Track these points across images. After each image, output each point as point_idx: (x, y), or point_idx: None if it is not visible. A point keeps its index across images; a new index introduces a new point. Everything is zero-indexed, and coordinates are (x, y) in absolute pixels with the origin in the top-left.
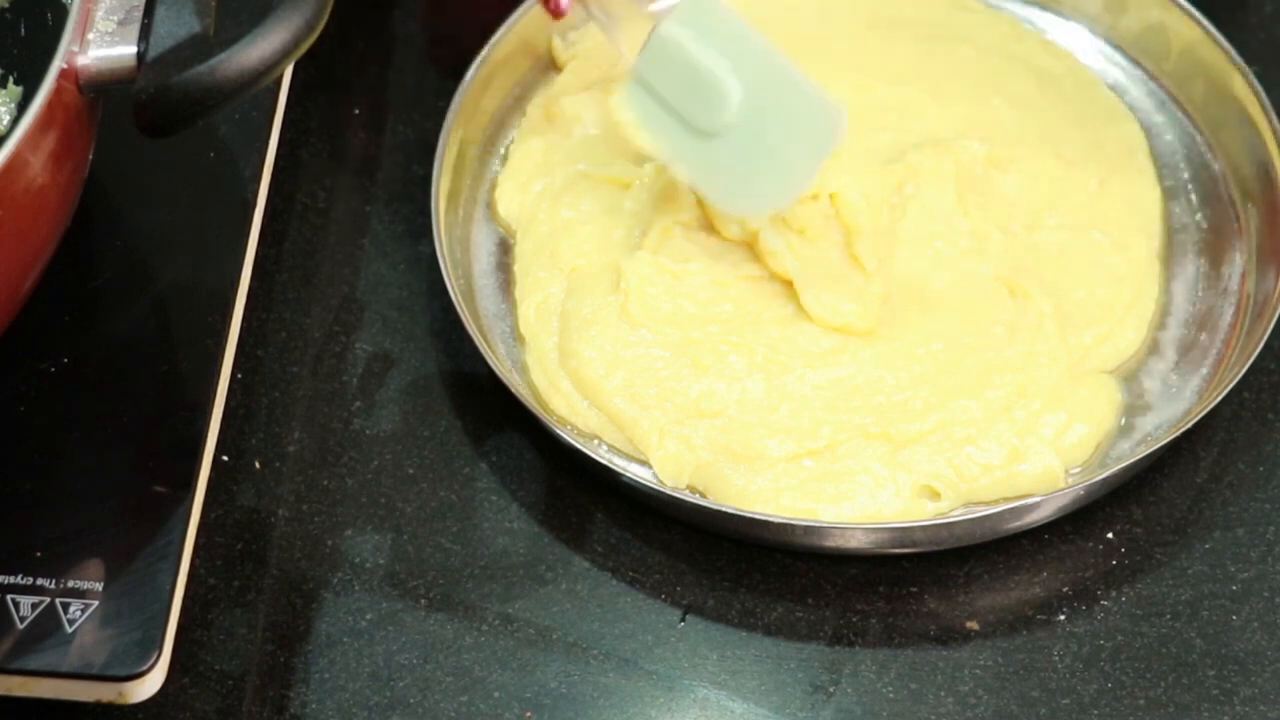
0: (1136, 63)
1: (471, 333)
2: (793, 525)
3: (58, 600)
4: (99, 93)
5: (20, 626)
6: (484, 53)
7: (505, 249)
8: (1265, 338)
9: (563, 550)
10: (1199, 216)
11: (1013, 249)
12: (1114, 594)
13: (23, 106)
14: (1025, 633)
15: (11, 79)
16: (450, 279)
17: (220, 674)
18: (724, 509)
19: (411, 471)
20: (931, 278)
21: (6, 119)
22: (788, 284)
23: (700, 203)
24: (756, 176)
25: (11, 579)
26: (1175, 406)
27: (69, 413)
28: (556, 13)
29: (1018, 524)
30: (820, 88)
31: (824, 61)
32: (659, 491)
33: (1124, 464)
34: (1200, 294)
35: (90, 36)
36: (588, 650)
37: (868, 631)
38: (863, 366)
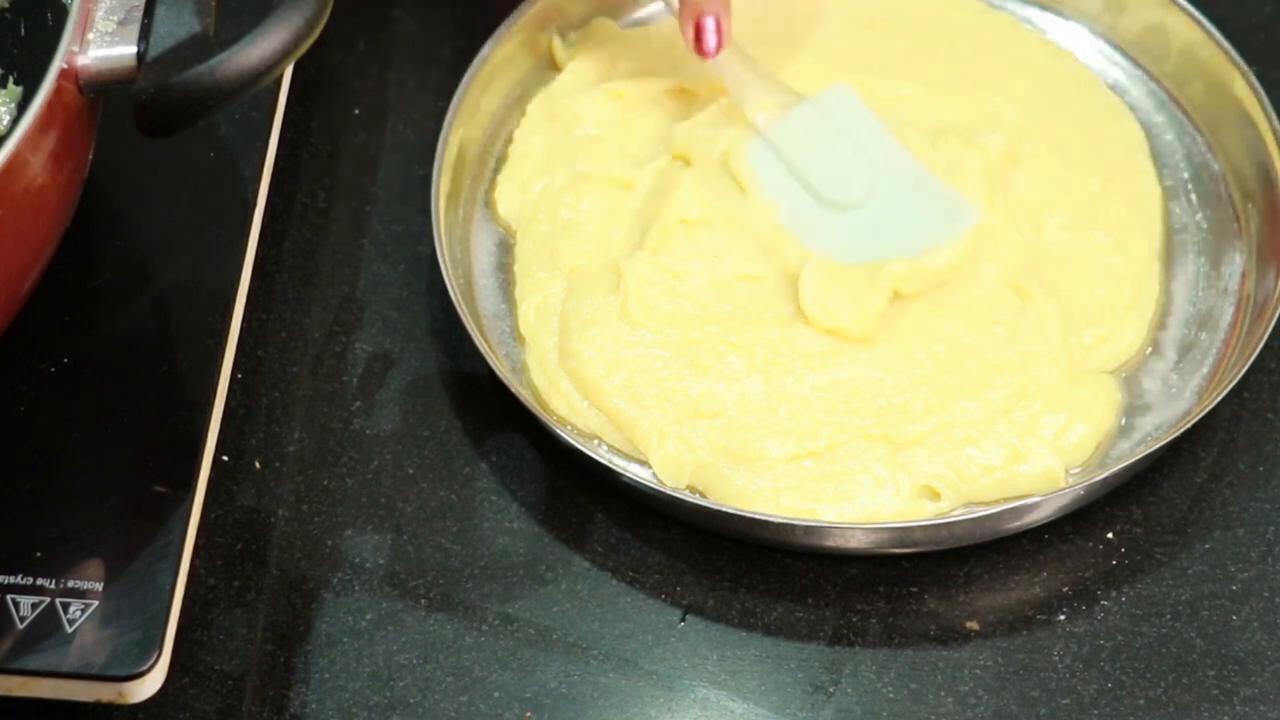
0: (1136, 63)
1: (471, 333)
2: (793, 525)
3: (58, 600)
4: (99, 93)
5: (20, 626)
6: (484, 53)
7: (505, 249)
8: (1265, 338)
9: (563, 550)
10: (1199, 216)
11: (1016, 249)
12: (1114, 594)
13: (23, 106)
14: (1025, 633)
15: (11, 79)
16: (450, 279)
17: (220, 674)
18: (724, 509)
19: (411, 471)
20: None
21: (6, 119)
22: (789, 283)
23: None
24: (866, 244)
25: (11, 579)
26: (1175, 406)
27: (69, 413)
28: (704, 54)
29: (1018, 524)
30: (951, 188)
31: (824, 58)
32: (659, 491)
33: (1124, 464)
34: (1200, 294)
35: (90, 36)
36: (588, 650)
37: (868, 631)
38: (862, 367)
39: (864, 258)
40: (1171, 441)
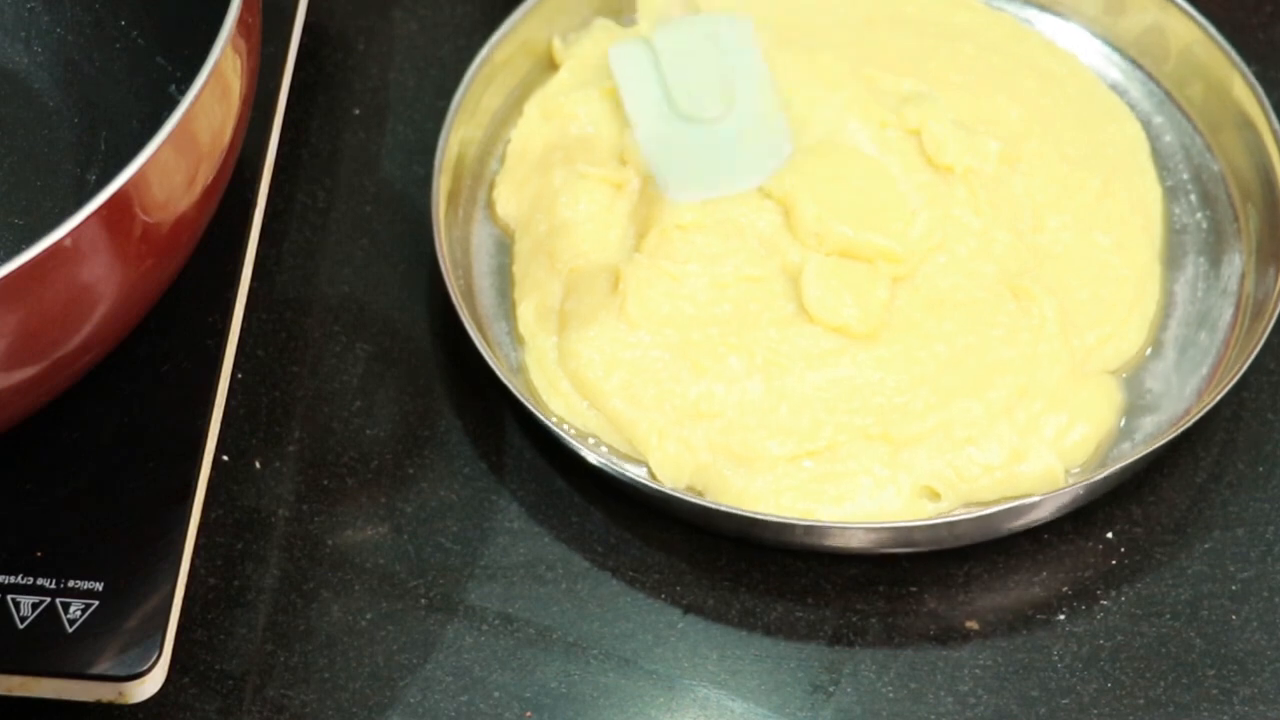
0: (1136, 63)
1: (471, 333)
2: (792, 525)
3: (58, 600)
4: None
5: (20, 626)
6: (484, 53)
7: (505, 249)
8: (1265, 337)
9: (563, 550)
10: (1199, 216)
11: (1017, 250)
12: (1114, 594)
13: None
14: (1025, 633)
15: None
16: (450, 279)
17: (220, 674)
18: (724, 509)
19: (411, 471)
20: (936, 279)
21: None
22: (788, 283)
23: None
24: (703, 170)
25: (11, 579)
26: (1175, 406)
27: (69, 413)
28: None
29: (1018, 524)
30: (785, 123)
31: (826, 52)
32: (658, 491)
33: (1124, 464)
34: (1200, 294)
35: None
36: (588, 650)
37: (868, 631)
38: (863, 367)
39: (691, 185)
40: (1171, 441)
